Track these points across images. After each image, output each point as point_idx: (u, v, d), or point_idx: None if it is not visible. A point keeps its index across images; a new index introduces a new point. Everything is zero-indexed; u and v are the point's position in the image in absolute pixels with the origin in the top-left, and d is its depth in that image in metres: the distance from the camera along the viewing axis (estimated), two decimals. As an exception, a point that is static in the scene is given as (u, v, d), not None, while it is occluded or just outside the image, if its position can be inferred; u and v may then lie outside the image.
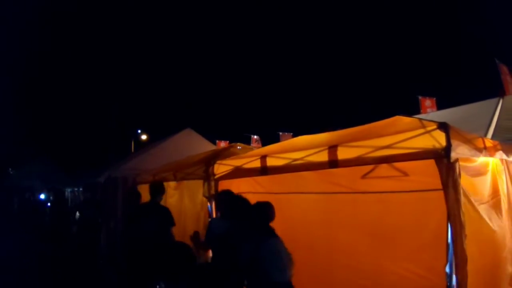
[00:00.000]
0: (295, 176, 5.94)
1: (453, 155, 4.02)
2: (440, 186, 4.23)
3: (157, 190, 7.79)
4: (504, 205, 5.31)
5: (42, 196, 21.24)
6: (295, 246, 5.62)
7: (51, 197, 16.93)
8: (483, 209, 4.62)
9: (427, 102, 14.51)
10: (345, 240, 5.48)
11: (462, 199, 4.04)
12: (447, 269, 4.25)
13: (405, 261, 4.75)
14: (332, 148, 5.20)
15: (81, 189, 21.28)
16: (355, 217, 5.39)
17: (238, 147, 8.31)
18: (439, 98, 14.67)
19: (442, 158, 4.06)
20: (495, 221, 4.74)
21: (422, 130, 4.29)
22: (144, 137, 38.91)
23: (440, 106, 13.91)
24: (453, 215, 4.00)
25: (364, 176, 5.00)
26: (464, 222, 3.95)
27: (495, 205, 4.97)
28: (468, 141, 4.50)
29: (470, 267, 4.27)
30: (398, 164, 4.65)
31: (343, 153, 5.11)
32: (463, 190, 4.08)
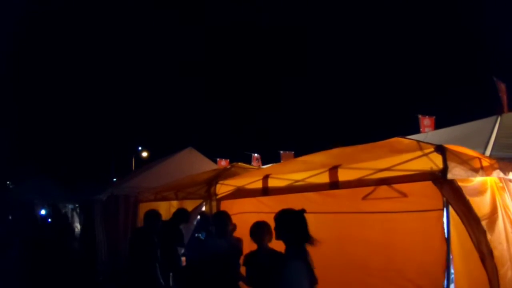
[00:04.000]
0: (299, 196, 5.97)
1: (450, 176, 4.14)
2: (437, 207, 4.36)
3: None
4: (503, 223, 5.43)
5: (43, 212, 21.23)
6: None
7: (51, 213, 16.95)
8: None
9: (426, 121, 14.65)
10: (354, 256, 5.50)
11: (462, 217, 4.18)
12: (445, 284, 4.34)
13: (411, 276, 4.78)
14: (333, 170, 5.30)
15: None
16: (360, 235, 5.42)
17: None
18: (439, 115, 14.82)
19: (439, 180, 4.17)
20: (493, 239, 4.82)
21: (420, 153, 4.40)
22: (144, 154, 38.92)
23: (440, 124, 14.04)
24: (470, 227, 4.21)
25: (364, 198, 5.08)
26: (480, 223, 4.18)
27: (494, 223, 5.06)
28: (464, 162, 4.59)
29: (470, 283, 4.37)
30: (397, 186, 4.72)
31: (343, 175, 5.21)
32: (462, 212, 4.20)
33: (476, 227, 4.20)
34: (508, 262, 5.15)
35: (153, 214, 7.45)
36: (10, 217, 18.44)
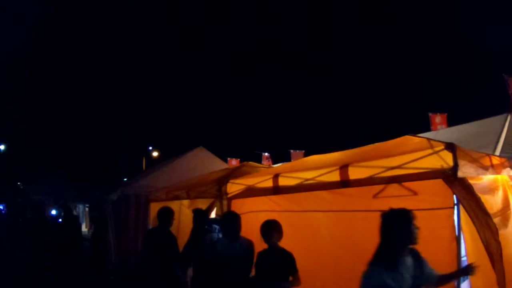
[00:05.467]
0: (309, 195, 6.02)
1: (460, 174, 4.16)
2: (448, 205, 4.37)
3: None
4: None
5: (54, 212, 21.37)
6: (316, 261, 5.75)
7: (62, 213, 17.07)
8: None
9: (438, 118, 14.48)
10: (365, 254, 5.48)
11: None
12: (456, 284, 4.35)
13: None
14: (343, 168, 5.33)
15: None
16: (371, 233, 5.37)
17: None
18: (452, 113, 14.66)
19: (449, 178, 4.19)
20: (507, 235, 4.85)
21: (430, 151, 4.42)
22: (155, 154, 39.03)
23: (453, 121, 13.88)
24: (480, 226, 4.26)
25: (375, 196, 5.08)
26: (492, 221, 4.19)
27: (507, 219, 5.09)
28: (474, 160, 4.61)
29: (485, 281, 4.38)
30: (407, 184, 4.74)
31: (354, 173, 5.25)
32: (472, 210, 4.22)
33: (486, 226, 4.21)
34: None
35: (167, 211, 7.51)
36: (21, 219, 18.57)
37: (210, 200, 7.75)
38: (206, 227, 7.08)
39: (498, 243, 4.14)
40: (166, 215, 7.47)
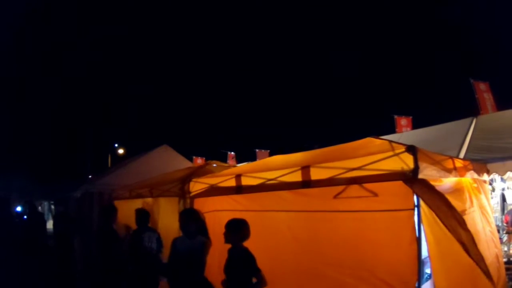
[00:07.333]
0: (271, 194, 5.98)
1: (421, 176, 4.15)
2: (408, 206, 4.36)
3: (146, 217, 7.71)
4: (481, 222, 5.50)
5: (19, 209, 20.98)
6: (278, 261, 5.70)
7: (27, 210, 16.75)
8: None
9: (403, 121, 14.67)
10: (326, 254, 5.46)
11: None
12: (417, 285, 4.33)
13: (383, 275, 4.76)
14: (305, 169, 5.30)
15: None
16: (332, 233, 5.39)
17: (214, 165, 8.40)
18: (416, 116, 14.84)
19: (410, 180, 4.16)
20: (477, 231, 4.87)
21: (391, 153, 4.40)
22: (121, 151, 38.78)
23: (419, 124, 14.04)
24: (446, 218, 4.21)
25: (335, 196, 5.05)
26: (457, 212, 4.22)
27: (473, 218, 5.12)
28: (436, 163, 4.61)
29: (449, 281, 4.38)
30: (368, 185, 4.72)
31: (315, 174, 5.22)
32: (437, 206, 4.21)
33: (452, 219, 4.20)
34: (488, 259, 5.21)
35: (109, 209, 8.07)
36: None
37: (174, 198, 7.65)
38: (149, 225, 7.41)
39: (467, 231, 4.16)
40: (108, 212, 7.91)
